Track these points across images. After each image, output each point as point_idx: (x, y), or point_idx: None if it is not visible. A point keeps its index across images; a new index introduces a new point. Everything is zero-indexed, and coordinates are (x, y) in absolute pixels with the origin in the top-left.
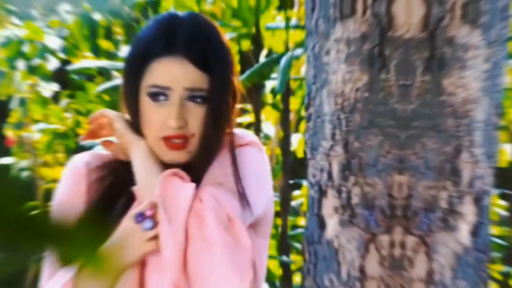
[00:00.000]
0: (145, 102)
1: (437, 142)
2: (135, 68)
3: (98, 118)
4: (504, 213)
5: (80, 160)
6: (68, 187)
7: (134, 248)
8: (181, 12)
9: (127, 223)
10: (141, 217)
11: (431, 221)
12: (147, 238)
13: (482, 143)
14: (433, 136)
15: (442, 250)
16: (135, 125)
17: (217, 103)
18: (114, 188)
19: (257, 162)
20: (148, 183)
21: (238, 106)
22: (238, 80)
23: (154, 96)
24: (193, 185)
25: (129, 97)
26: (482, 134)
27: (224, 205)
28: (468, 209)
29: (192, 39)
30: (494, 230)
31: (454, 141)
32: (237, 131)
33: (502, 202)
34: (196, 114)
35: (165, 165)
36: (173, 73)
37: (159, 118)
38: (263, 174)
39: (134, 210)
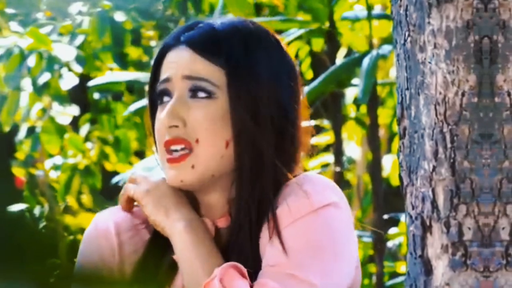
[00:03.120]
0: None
1: None
2: (152, 81)
3: (123, 197)
4: None
5: (107, 217)
6: (96, 252)
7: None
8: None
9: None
10: None
11: None
12: None
13: None
14: None
15: None
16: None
17: (239, 101)
18: (154, 253)
19: (332, 231)
20: (196, 271)
21: (310, 123)
22: (299, 98)
23: (161, 97)
24: (249, 285)
25: (152, 119)
26: None
27: None
28: None
29: (204, 30)
30: None
31: None
32: (309, 185)
33: None
34: (200, 113)
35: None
36: (172, 62)
37: (161, 122)
38: (340, 243)
39: None
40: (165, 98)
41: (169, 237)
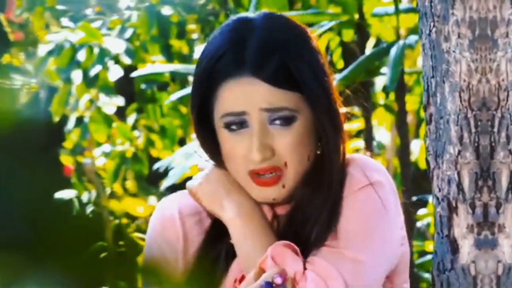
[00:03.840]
0: (223, 134)
1: None
2: (202, 95)
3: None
4: None
5: (171, 203)
6: (161, 238)
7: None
8: (253, 15)
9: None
10: (269, 286)
11: None
12: None
13: None
14: None
15: None
16: (216, 161)
17: (322, 116)
18: (213, 239)
19: (377, 210)
20: (251, 253)
21: (343, 110)
22: (334, 87)
23: (230, 126)
24: (301, 262)
25: (201, 130)
26: None
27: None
28: None
29: (263, 52)
30: None
31: None
32: (355, 165)
33: None
34: (285, 139)
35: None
36: (244, 95)
37: (240, 151)
38: (386, 221)
39: (261, 279)
40: (238, 126)
41: (225, 224)
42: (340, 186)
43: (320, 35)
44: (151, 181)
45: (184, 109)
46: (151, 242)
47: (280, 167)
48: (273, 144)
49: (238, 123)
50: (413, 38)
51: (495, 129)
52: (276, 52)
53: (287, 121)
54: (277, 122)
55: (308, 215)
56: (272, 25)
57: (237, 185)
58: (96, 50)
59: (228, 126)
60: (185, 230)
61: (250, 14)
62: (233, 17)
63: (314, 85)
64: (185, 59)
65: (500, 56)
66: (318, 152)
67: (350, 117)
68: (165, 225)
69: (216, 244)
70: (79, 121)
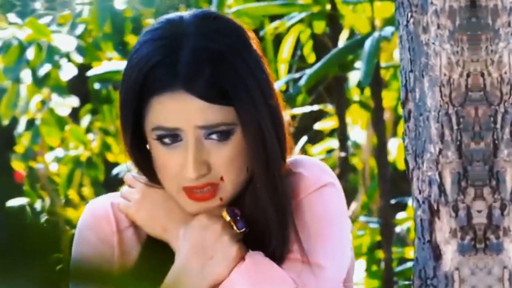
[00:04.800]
0: (153, 145)
1: None
2: (131, 104)
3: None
4: None
5: (104, 201)
6: (93, 239)
7: (224, 254)
8: (186, 16)
9: (211, 223)
10: (233, 214)
11: None
12: (239, 238)
13: None
14: None
15: None
16: (148, 175)
17: (252, 134)
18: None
19: (333, 211)
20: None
21: (313, 107)
22: (277, 94)
23: (162, 139)
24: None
25: (132, 142)
26: None
27: None
28: None
29: (196, 65)
30: None
31: None
32: (305, 168)
33: None
34: (221, 154)
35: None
36: (178, 111)
37: (174, 166)
38: (343, 224)
39: (225, 208)
40: (171, 139)
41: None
42: (290, 189)
43: (289, 27)
44: (109, 188)
45: None
46: (82, 241)
47: (215, 182)
48: (209, 159)
49: (172, 136)
50: (389, 29)
51: (498, 125)
52: (209, 65)
53: (224, 135)
54: (214, 137)
55: (261, 226)
56: (207, 31)
57: (176, 202)
58: (45, 48)
59: (160, 138)
60: (120, 227)
61: (183, 13)
62: (161, 18)
63: (246, 102)
64: None
65: (502, 47)
66: None
67: (322, 115)
68: (98, 221)
69: (157, 253)
70: (30, 124)
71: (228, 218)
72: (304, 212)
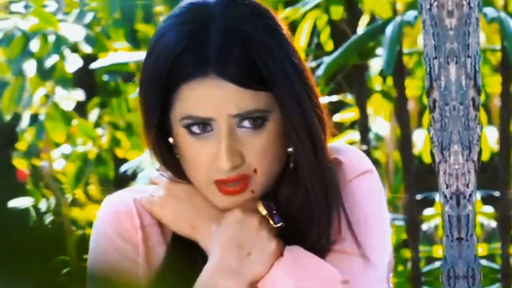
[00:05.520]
0: (182, 136)
1: None
2: (158, 94)
3: None
4: (491, 223)
5: (124, 195)
6: (113, 236)
7: (263, 249)
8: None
9: (247, 218)
10: (269, 207)
11: None
12: (276, 233)
13: None
14: None
15: None
16: (173, 170)
17: (294, 118)
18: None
19: (375, 199)
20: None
21: (331, 98)
22: (311, 80)
23: (191, 127)
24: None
25: (152, 131)
26: None
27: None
28: None
29: (227, 48)
30: (481, 248)
31: None
32: (342, 154)
33: (488, 209)
34: (255, 143)
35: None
36: (210, 99)
37: (205, 157)
38: (381, 212)
39: (261, 202)
40: (197, 129)
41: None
42: (335, 176)
43: (305, 13)
44: (117, 186)
45: None
46: (100, 239)
47: (249, 174)
48: (242, 149)
49: (201, 125)
50: (412, 13)
51: None
52: (241, 47)
53: (258, 123)
54: (247, 124)
55: (302, 217)
56: (235, 12)
57: (203, 198)
58: (51, 38)
59: (189, 127)
60: (143, 222)
61: None
62: (184, 2)
63: (285, 85)
64: None
65: None
66: (290, 150)
67: (342, 106)
68: (118, 217)
69: (187, 244)
70: (34, 119)
71: (264, 212)
72: (345, 202)
